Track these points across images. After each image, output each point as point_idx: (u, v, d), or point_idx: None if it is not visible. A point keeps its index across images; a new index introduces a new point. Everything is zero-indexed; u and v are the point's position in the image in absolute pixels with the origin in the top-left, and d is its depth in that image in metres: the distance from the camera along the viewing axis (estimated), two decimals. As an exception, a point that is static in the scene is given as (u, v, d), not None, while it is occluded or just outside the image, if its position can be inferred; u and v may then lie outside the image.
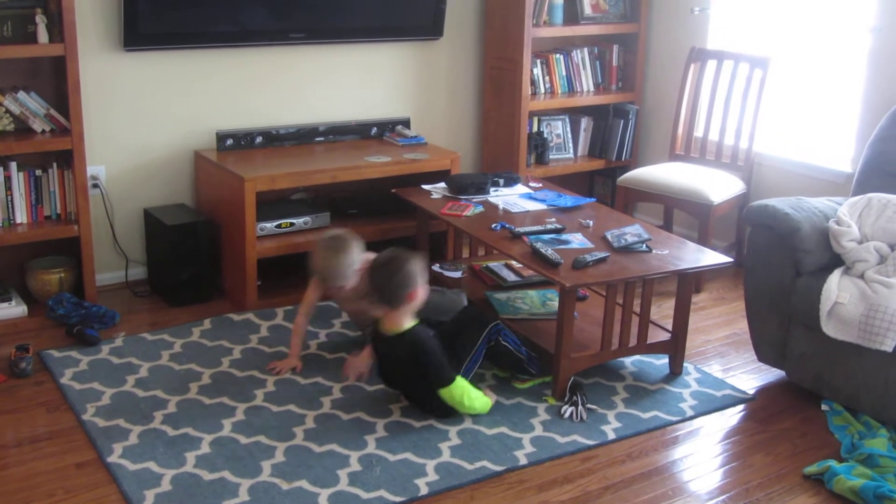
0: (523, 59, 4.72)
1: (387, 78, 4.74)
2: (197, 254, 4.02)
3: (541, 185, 4.19)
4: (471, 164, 5.13)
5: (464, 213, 3.74)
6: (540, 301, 3.79)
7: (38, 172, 3.80)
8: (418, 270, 3.09)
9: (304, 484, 2.76)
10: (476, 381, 3.25)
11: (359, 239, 3.44)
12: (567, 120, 5.16)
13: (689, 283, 3.45)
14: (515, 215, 3.75)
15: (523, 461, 2.92)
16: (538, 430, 3.10)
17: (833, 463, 2.88)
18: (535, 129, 5.01)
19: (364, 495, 2.71)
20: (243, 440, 2.98)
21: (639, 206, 5.11)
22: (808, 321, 3.25)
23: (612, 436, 3.09)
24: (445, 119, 5.00)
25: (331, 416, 3.14)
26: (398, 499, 2.71)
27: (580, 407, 3.20)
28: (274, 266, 4.19)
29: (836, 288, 3.15)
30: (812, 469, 2.91)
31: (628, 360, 3.61)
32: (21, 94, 3.73)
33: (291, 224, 4.14)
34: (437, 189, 4.02)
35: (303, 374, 3.41)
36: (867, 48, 4.13)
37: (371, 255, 3.36)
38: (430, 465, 2.88)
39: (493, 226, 3.60)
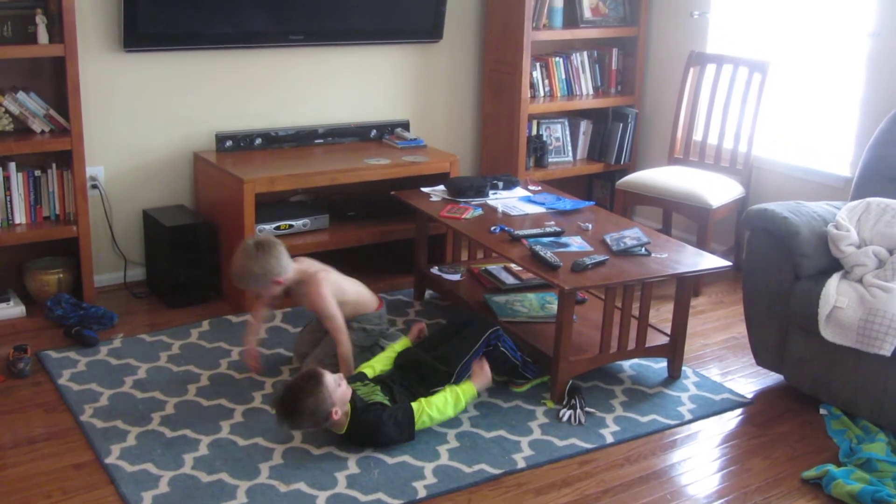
0: (523, 62, 4.72)
1: (386, 80, 4.74)
2: (196, 255, 4.01)
3: (540, 188, 4.19)
4: (470, 167, 5.13)
5: (463, 216, 3.74)
6: (539, 304, 3.79)
7: (37, 173, 3.80)
8: (324, 395, 2.83)
9: (302, 486, 2.75)
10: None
11: (283, 248, 3.27)
12: (566, 123, 5.16)
13: (687, 286, 3.45)
14: (514, 218, 3.75)
15: (521, 464, 2.92)
16: (536, 434, 3.10)
17: (831, 467, 2.88)
18: (534, 132, 5.02)
19: (362, 498, 2.71)
20: (241, 442, 2.98)
21: (638, 210, 5.11)
22: (806, 325, 3.25)
23: (610, 439, 3.09)
24: (445, 122, 5.00)
25: (329, 419, 3.14)
26: (396, 501, 2.71)
27: (578, 410, 3.20)
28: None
29: (835, 292, 3.16)
30: (810, 473, 2.91)
31: (627, 364, 3.61)
32: (21, 95, 3.73)
33: (290, 226, 4.14)
34: (437, 192, 4.02)
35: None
36: (866, 53, 4.13)
37: (301, 265, 3.27)
38: (429, 467, 2.87)
39: (492, 229, 3.60)
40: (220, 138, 4.26)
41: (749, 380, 3.57)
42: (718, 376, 3.59)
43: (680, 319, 3.47)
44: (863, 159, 3.75)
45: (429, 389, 3.10)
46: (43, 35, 3.62)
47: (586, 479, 2.88)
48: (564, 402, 3.25)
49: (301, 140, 4.46)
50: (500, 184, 4.09)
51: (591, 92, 5.18)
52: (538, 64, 4.96)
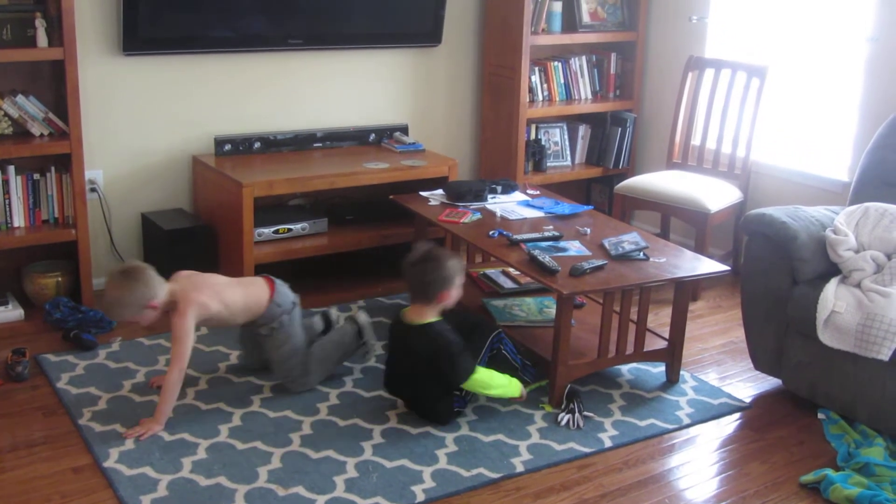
0: (521, 66, 4.73)
1: (385, 84, 4.75)
2: (194, 259, 4.00)
3: (538, 192, 4.19)
4: (469, 171, 5.13)
5: (461, 220, 3.75)
6: (537, 308, 3.79)
7: (36, 176, 3.80)
8: (457, 272, 3.10)
9: (301, 490, 2.75)
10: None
11: (152, 271, 3.10)
12: (565, 127, 5.16)
13: (686, 291, 3.45)
14: (513, 222, 3.75)
15: (520, 468, 2.92)
16: (535, 438, 3.10)
17: (829, 472, 2.88)
18: (532, 136, 5.02)
19: (361, 502, 2.71)
20: (240, 446, 2.98)
21: (636, 214, 5.12)
22: (804, 330, 3.25)
23: (608, 443, 3.09)
24: (443, 126, 5.00)
25: (327, 423, 3.13)
26: (395, 505, 2.71)
27: (577, 414, 3.20)
28: (271, 272, 4.18)
29: (833, 297, 3.16)
30: (808, 478, 2.91)
31: (625, 368, 3.61)
32: (20, 98, 3.73)
33: (289, 230, 4.14)
34: (435, 196, 4.03)
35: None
36: (864, 58, 4.14)
37: (176, 283, 3.13)
38: (427, 471, 2.87)
39: (491, 233, 3.60)
40: (219, 142, 4.27)
41: (747, 384, 3.58)
42: (717, 381, 3.59)
43: (678, 324, 3.47)
44: (861, 164, 3.76)
45: None
46: (42, 38, 3.62)
47: (585, 483, 2.88)
48: (563, 407, 3.25)
49: (300, 144, 4.47)
50: (499, 188, 4.10)
51: (589, 96, 5.18)
52: (537, 68, 4.97)
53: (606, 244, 3.49)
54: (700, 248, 4.11)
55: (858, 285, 3.20)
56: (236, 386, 3.37)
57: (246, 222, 3.89)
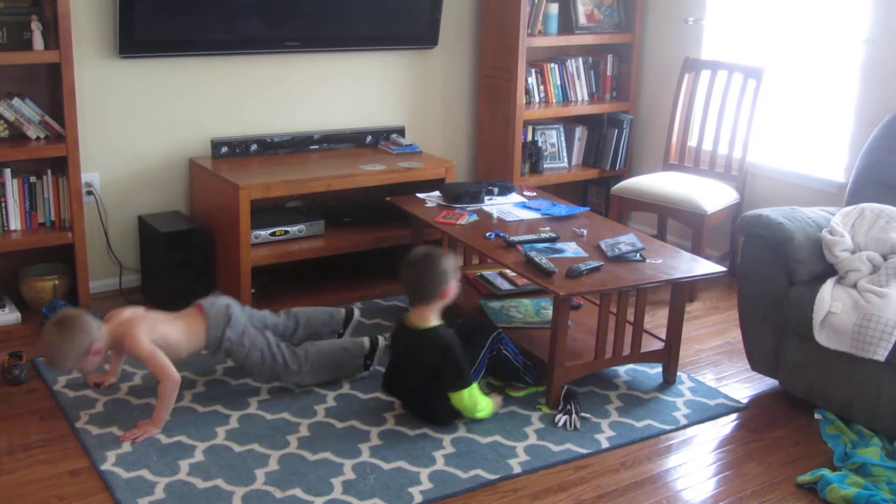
0: (518, 68, 4.73)
1: (382, 86, 4.75)
2: (191, 261, 4.01)
3: (535, 193, 4.19)
4: (465, 173, 5.14)
5: (458, 222, 3.75)
6: (534, 309, 3.80)
7: (33, 179, 3.80)
8: (452, 268, 3.12)
9: (298, 492, 2.75)
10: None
11: (87, 315, 3.02)
12: (561, 129, 5.17)
13: (682, 292, 3.46)
14: (509, 224, 3.75)
15: (517, 469, 2.92)
16: (532, 439, 3.10)
17: (826, 472, 2.88)
18: (529, 137, 5.03)
19: (358, 504, 2.72)
20: (237, 448, 2.98)
21: (633, 216, 5.12)
22: (801, 330, 3.26)
23: (605, 444, 3.09)
24: (440, 127, 5.01)
25: (325, 425, 3.13)
26: (392, 507, 2.71)
27: (574, 415, 3.20)
28: (268, 274, 4.19)
29: (829, 297, 3.16)
30: (805, 478, 2.91)
31: (622, 369, 3.62)
32: (16, 101, 3.73)
33: (286, 232, 4.14)
34: (432, 198, 4.03)
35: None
36: (860, 59, 4.15)
37: (111, 323, 3.07)
38: (424, 473, 2.87)
39: (488, 234, 3.60)
40: (216, 144, 4.27)
41: (744, 385, 3.58)
42: (713, 381, 3.60)
43: (675, 325, 3.47)
44: (857, 165, 3.77)
45: None
46: (38, 41, 3.62)
47: (582, 484, 2.88)
48: (560, 408, 3.26)
49: (297, 146, 4.47)
50: (496, 190, 4.10)
51: (586, 98, 5.19)
52: (533, 70, 4.98)
53: (603, 245, 3.49)
54: (696, 250, 4.11)
55: (855, 286, 3.20)
56: (233, 388, 3.36)
57: (243, 225, 3.89)
